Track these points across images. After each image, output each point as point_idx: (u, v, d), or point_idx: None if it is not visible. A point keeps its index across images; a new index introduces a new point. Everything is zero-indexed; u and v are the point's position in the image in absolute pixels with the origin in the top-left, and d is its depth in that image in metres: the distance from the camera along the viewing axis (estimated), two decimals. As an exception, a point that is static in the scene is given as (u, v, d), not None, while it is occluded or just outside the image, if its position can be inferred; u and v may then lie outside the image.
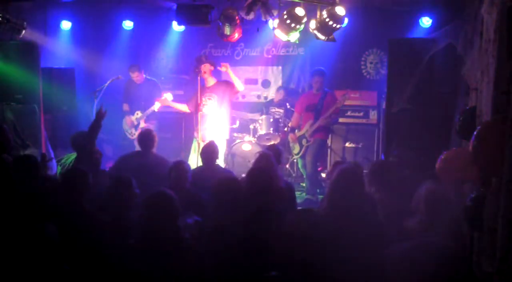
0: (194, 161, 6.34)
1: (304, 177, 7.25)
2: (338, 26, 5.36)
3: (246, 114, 8.24)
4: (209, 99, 6.68)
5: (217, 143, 5.46)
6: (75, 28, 8.38)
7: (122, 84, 7.79)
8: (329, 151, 8.01)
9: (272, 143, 7.26)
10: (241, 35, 6.29)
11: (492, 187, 2.69)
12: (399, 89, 5.39)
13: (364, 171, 4.33)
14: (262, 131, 7.70)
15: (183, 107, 7.02)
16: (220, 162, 6.26)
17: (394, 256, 2.97)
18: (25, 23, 6.23)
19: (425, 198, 3.51)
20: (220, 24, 6.03)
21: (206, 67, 6.62)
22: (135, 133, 7.34)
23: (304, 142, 7.12)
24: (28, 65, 6.07)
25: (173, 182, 4.47)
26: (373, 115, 7.98)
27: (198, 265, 3.01)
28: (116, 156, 6.98)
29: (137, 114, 7.68)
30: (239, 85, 6.64)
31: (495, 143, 2.57)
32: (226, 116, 6.79)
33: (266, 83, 9.04)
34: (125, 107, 7.82)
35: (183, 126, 8.49)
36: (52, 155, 6.23)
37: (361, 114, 8.02)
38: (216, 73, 6.94)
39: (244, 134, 7.90)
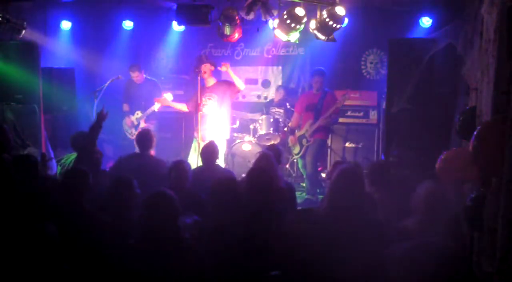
0: (194, 160, 6.34)
1: (304, 177, 7.25)
2: (338, 26, 5.36)
3: (246, 114, 8.24)
4: (209, 99, 6.68)
5: (217, 142, 5.46)
6: (75, 28, 8.38)
7: (122, 84, 7.79)
8: (329, 151, 8.01)
9: (272, 143, 7.25)
10: (241, 35, 6.29)
11: (492, 187, 2.69)
12: (399, 89, 5.39)
13: (364, 171, 4.32)
14: (262, 131, 7.70)
15: (182, 107, 7.02)
16: (220, 162, 6.26)
17: (394, 256, 2.97)
18: (25, 23, 6.23)
19: (424, 198, 3.52)
20: (220, 24, 6.03)
21: (206, 67, 6.62)
22: (135, 133, 7.34)
23: (304, 141, 7.12)
24: (28, 65, 6.07)
25: (173, 182, 4.47)
26: (373, 115, 7.98)
27: (198, 265, 3.01)
28: (117, 156, 6.98)
29: (137, 114, 7.69)
30: (240, 84, 6.64)
31: (495, 143, 2.57)
32: (226, 116, 6.79)
33: (266, 83, 9.04)
34: (125, 107, 7.82)
35: (183, 126, 8.49)
36: (52, 154, 6.23)
37: (361, 114, 8.02)
38: (216, 73, 6.94)
39: (244, 134, 7.90)
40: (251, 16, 5.84)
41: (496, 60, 2.89)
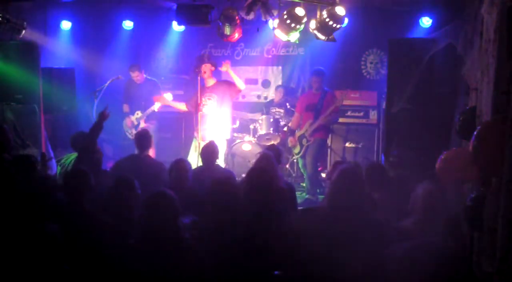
0: (194, 160, 6.34)
1: (305, 176, 7.25)
2: (338, 26, 5.36)
3: (246, 114, 8.24)
4: (209, 99, 6.68)
5: (217, 142, 5.46)
6: (75, 28, 8.38)
7: (122, 84, 7.79)
8: (329, 151, 8.01)
9: (272, 143, 7.25)
10: (241, 35, 6.29)
11: (492, 187, 2.69)
12: (399, 89, 5.39)
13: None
14: (262, 131, 7.70)
15: (182, 106, 7.04)
16: (220, 162, 6.26)
17: (394, 256, 2.97)
18: (25, 23, 6.23)
19: (422, 199, 3.52)
20: (220, 24, 6.03)
21: (206, 67, 6.61)
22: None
23: (304, 141, 7.12)
24: (28, 65, 6.07)
25: (173, 182, 4.48)
26: (373, 115, 7.98)
27: (198, 265, 3.01)
28: (117, 156, 7.00)
29: (137, 114, 7.69)
30: (240, 84, 6.64)
31: (495, 143, 2.57)
32: (226, 116, 6.78)
33: (266, 83, 9.05)
34: (125, 108, 7.82)
35: (183, 126, 8.49)
36: (52, 154, 6.23)
37: (361, 114, 8.02)
38: (216, 73, 6.94)
39: (244, 134, 7.90)
40: (251, 16, 5.84)
41: (496, 60, 2.89)
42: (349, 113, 8.00)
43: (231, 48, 8.91)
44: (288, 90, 8.47)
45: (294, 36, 5.65)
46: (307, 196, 7.03)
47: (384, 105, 6.65)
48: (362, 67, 8.49)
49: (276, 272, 3.23)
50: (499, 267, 2.42)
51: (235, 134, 7.86)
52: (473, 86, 4.30)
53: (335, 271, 2.92)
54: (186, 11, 6.16)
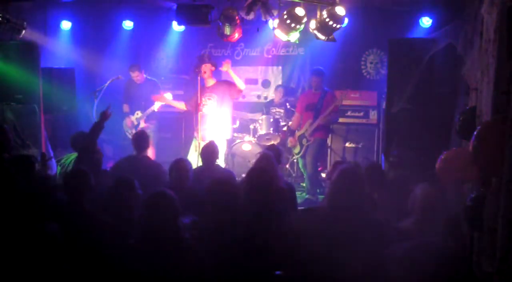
0: (194, 160, 6.34)
1: (305, 176, 7.25)
2: (338, 26, 5.36)
3: (246, 114, 8.25)
4: (209, 99, 6.68)
5: (217, 142, 5.46)
6: (75, 28, 8.38)
7: (122, 84, 7.79)
8: (329, 151, 8.01)
9: (272, 143, 7.26)
10: (241, 35, 6.28)
11: (492, 187, 2.70)
12: (399, 89, 5.39)
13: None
14: (262, 131, 7.70)
15: (181, 105, 7.05)
16: (220, 162, 6.26)
17: (394, 256, 2.97)
18: (25, 23, 6.23)
19: (421, 199, 3.52)
20: (220, 24, 6.03)
21: (207, 67, 6.61)
22: (135, 134, 7.35)
23: (304, 141, 7.12)
24: (28, 65, 6.07)
25: (173, 181, 4.48)
26: (373, 115, 7.98)
27: (198, 265, 3.01)
28: (117, 156, 6.99)
29: (137, 114, 7.69)
30: (240, 84, 6.64)
31: (495, 143, 2.57)
32: (226, 116, 6.78)
33: (266, 83, 9.05)
34: (125, 108, 7.82)
35: (183, 126, 8.49)
36: (52, 154, 6.23)
37: (361, 114, 8.02)
38: (216, 74, 6.94)
39: (244, 134, 7.90)
40: (251, 16, 5.84)
41: (496, 60, 2.89)
42: (349, 113, 8.00)
43: (231, 48, 8.91)
44: (288, 90, 8.47)
45: (294, 36, 5.65)
46: (307, 196, 7.03)
47: (384, 105, 6.65)
48: (362, 67, 8.49)
49: (277, 272, 3.23)
50: (499, 267, 2.42)
51: (235, 134, 7.86)
52: (473, 86, 4.30)
53: (335, 271, 2.92)
54: (186, 11, 6.16)
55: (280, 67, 8.97)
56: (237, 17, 5.88)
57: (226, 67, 6.57)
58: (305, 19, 5.40)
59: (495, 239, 2.49)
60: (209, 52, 8.66)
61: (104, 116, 5.02)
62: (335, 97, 7.03)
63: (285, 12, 5.41)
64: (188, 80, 8.60)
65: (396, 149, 5.22)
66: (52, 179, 5.58)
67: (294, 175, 8.10)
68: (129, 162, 5.22)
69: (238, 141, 7.72)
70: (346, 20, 6.37)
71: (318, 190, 7.07)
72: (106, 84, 7.17)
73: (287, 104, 8.02)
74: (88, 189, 3.69)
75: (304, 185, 7.39)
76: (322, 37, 5.54)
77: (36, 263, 2.94)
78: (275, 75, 9.01)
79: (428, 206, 3.46)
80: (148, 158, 5.42)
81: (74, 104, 7.03)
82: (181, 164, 4.54)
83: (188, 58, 8.59)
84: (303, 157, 7.15)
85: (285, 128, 7.79)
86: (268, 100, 8.80)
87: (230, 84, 6.68)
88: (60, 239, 3.17)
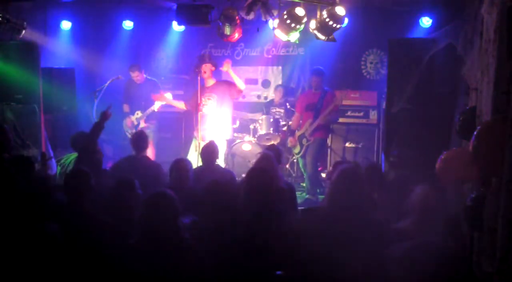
0: (194, 160, 6.34)
1: (305, 176, 7.25)
2: (338, 26, 5.36)
3: (246, 114, 8.24)
4: (208, 99, 6.68)
5: (217, 142, 5.46)
6: (75, 28, 8.38)
7: (122, 84, 7.79)
8: (329, 151, 8.01)
9: (272, 143, 7.25)
10: (241, 35, 6.29)
11: (492, 187, 2.70)
12: (399, 89, 5.39)
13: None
14: (262, 131, 7.70)
15: (180, 105, 7.07)
16: (220, 162, 6.26)
17: (394, 256, 2.97)
18: (25, 23, 6.23)
19: (419, 200, 3.51)
20: (220, 24, 6.03)
21: (207, 67, 6.62)
22: (135, 134, 7.34)
23: (304, 141, 7.12)
24: (28, 65, 6.08)
25: (174, 181, 4.48)
26: (373, 115, 7.98)
27: (198, 265, 3.01)
28: (117, 156, 6.99)
29: (137, 114, 7.69)
30: (240, 84, 6.64)
31: (495, 143, 2.57)
32: (226, 116, 6.78)
33: (266, 83, 9.04)
34: (125, 108, 7.82)
35: (183, 126, 8.49)
36: (52, 154, 6.23)
37: (361, 114, 8.02)
38: (216, 74, 6.94)
39: (244, 134, 7.90)
40: (251, 16, 5.84)
41: (496, 60, 2.89)
42: (349, 113, 8.00)
43: (231, 48, 8.91)
44: (288, 90, 8.47)
45: (294, 36, 5.65)
46: (307, 196, 7.02)
47: (384, 105, 6.65)
48: (362, 67, 8.49)
49: (278, 272, 3.23)
50: (499, 267, 2.42)
51: (235, 134, 7.86)
52: (473, 86, 4.30)
53: (335, 271, 2.92)
54: (186, 11, 6.16)
55: (280, 67, 8.97)
56: (237, 17, 5.88)
57: (227, 67, 6.57)
58: (305, 19, 5.40)
59: (495, 239, 2.49)
60: (209, 52, 8.65)
61: (104, 116, 5.02)
62: (335, 97, 7.03)
63: (285, 12, 5.41)
64: (188, 80, 8.60)
65: (396, 149, 5.22)
66: (52, 179, 5.59)
67: (294, 175, 8.09)
68: (128, 162, 5.21)
69: (238, 140, 7.72)
70: (346, 20, 6.37)
71: (318, 190, 7.06)
72: (106, 84, 7.17)
73: (287, 104, 8.03)
74: (88, 189, 3.68)
75: (304, 185, 7.38)
76: (322, 37, 5.54)
77: (36, 263, 2.94)
78: (275, 75, 9.00)
79: (426, 207, 3.46)
80: (147, 158, 5.42)
81: (74, 104, 7.03)
82: (181, 164, 4.54)
83: (188, 58, 8.59)
84: (303, 156, 7.15)
85: (285, 128, 7.79)
86: (268, 100, 8.80)
87: (230, 84, 6.68)
88: (60, 239, 3.17)
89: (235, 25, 5.99)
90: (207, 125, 6.65)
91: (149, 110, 7.53)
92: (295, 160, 7.72)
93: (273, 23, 6.01)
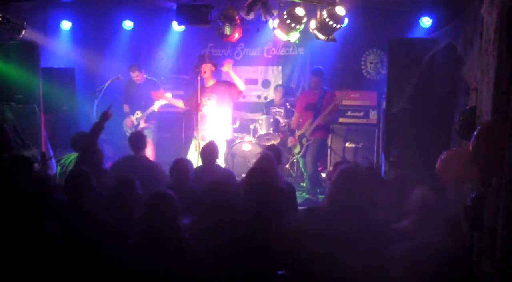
0: (194, 160, 6.34)
1: (305, 176, 7.25)
2: (338, 26, 5.36)
3: (246, 114, 8.25)
4: (208, 99, 6.68)
5: (217, 142, 5.46)
6: (75, 28, 8.38)
7: (122, 84, 7.79)
8: (329, 151, 8.01)
9: (272, 143, 7.26)
10: (241, 35, 6.29)
11: (492, 187, 2.70)
12: (399, 89, 5.39)
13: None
14: (262, 131, 7.70)
15: (179, 103, 7.08)
16: (220, 162, 6.26)
17: (394, 256, 2.97)
18: (25, 23, 6.23)
19: (418, 201, 3.51)
20: (220, 24, 6.03)
21: (207, 67, 6.62)
22: (135, 134, 7.34)
23: (304, 141, 7.12)
24: (28, 65, 6.07)
25: (174, 181, 4.48)
26: (373, 115, 7.98)
27: (198, 265, 3.01)
28: (117, 156, 6.98)
29: (137, 114, 7.69)
30: (240, 85, 6.64)
31: (495, 143, 2.57)
32: (226, 117, 6.78)
33: (266, 83, 9.04)
34: (126, 108, 7.83)
35: (183, 126, 8.49)
36: (52, 154, 6.23)
37: (361, 114, 8.03)
38: (215, 74, 6.94)
39: (244, 134, 7.90)
40: (251, 16, 5.84)
41: (496, 60, 2.89)
42: (349, 113, 8.01)
43: (231, 48, 8.91)
44: (288, 90, 8.47)
45: (294, 36, 5.65)
46: (307, 196, 7.03)
47: (384, 105, 6.65)
48: (362, 67, 8.49)
49: (280, 272, 3.23)
50: (499, 267, 2.42)
51: (235, 134, 7.86)
52: (473, 86, 4.30)
53: (335, 271, 2.92)
54: (186, 11, 6.16)
55: (280, 67, 8.97)
56: (237, 17, 5.88)
57: (227, 68, 6.57)
58: (305, 19, 5.40)
59: (495, 239, 2.49)
60: (209, 52, 8.65)
61: (105, 116, 5.02)
62: (334, 96, 7.03)
63: (285, 12, 5.41)
64: (188, 80, 8.60)
65: (396, 149, 5.22)
66: (52, 179, 5.59)
67: (294, 175, 8.10)
68: (127, 162, 5.21)
69: (238, 140, 7.72)
70: (346, 20, 6.37)
71: (318, 190, 7.06)
72: (106, 84, 7.17)
73: (287, 104, 8.03)
74: (88, 189, 3.68)
75: (304, 185, 7.39)
76: (322, 37, 5.54)
77: (36, 263, 2.94)
78: (275, 75, 9.00)
79: (426, 207, 3.46)
80: (146, 158, 5.42)
81: (74, 104, 7.03)
82: (181, 164, 4.54)
83: (188, 58, 8.59)
84: (303, 156, 7.15)
85: (283, 124, 7.79)
86: (268, 100, 8.80)
87: (230, 84, 6.68)
88: (60, 239, 3.17)
89: (235, 25, 5.99)
90: (207, 125, 6.65)
91: (149, 110, 7.53)
92: (295, 160, 7.72)
93: (273, 23, 6.01)
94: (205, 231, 3.35)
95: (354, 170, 3.33)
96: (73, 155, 5.95)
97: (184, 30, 8.24)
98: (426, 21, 7.31)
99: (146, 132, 6.92)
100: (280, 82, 8.88)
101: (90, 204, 3.65)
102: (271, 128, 7.67)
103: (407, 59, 5.39)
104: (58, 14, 8.09)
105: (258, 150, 7.05)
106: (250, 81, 8.88)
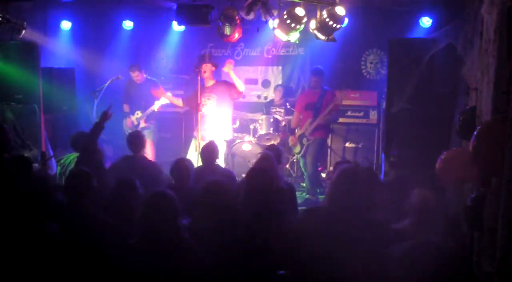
0: (194, 160, 6.34)
1: (305, 176, 7.25)
2: (338, 26, 5.36)
3: (246, 114, 8.25)
4: (208, 99, 6.68)
5: (217, 142, 5.46)
6: (75, 28, 8.38)
7: (122, 84, 7.79)
8: (329, 151, 8.01)
9: (272, 143, 7.26)
10: (241, 35, 6.28)
11: (492, 187, 2.70)
12: (399, 89, 5.39)
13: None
14: (262, 131, 7.70)
15: (178, 102, 7.10)
16: (220, 162, 6.26)
17: (394, 256, 2.97)
18: (25, 23, 6.23)
19: (417, 202, 3.51)
20: (220, 24, 6.03)
21: (207, 67, 6.62)
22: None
23: (304, 140, 7.12)
24: (28, 65, 6.07)
25: (174, 181, 4.47)
26: (373, 115, 7.98)
27: (198, 265, 3.01)
28: (116, 156, 6.97)
29: (137, 114, 7.69)
30: (240, 85, 6.64)
31: (495, 143, 2.57)
32: (226, 117, 6.78)
33: (266, 83, 9.05)
34: (126, 108, 7.82)
35: (183, 126, 8.49)
36: (52, 154, 6.23)
37: (361, 114, 8.03)
38: (215, 74, 6.94)
39: (244, 134, 7.90)
40: (251, 16, 5.84)
41: (496, 60, 2.89)
42: (349, 113, 8.01)
43: (231, 48, 8.91)
44: (288, 90, 8.48)
45: (294, 36, 5.65)
46: (307, 196, 7.02)
47: (384, 105, 6.65)
48: (362, 67, 8.49)
49: (280, 272, 3.23)
50: (499, 267, 2.42)
51: (235, 134, 7.86)
52: (473, 86, 4.30)
53: (335, 271, 2.92)
54: (186, 11, 6.16)
55: (280, 67, 8.97)
56: (237, 17, 5.88)
57: (228, 68, 6.56)
58: (305, 19, 5.40)
59: (495, 239, 2.49)
60: (209, 52, 8.64)
61: (105, 116, 5.02)
62: (334, 96, 7.03)
63: (285, 12, 5.41)
64: (188, 80, 8.60)
65: (396, 149, 5.22)
66: (52, 179, 5.59)
67: (294, 175, 8.10)
68: (126, 162, 5.21)
69: (238, 140, 7.72)
70: (346, 20, 6.37)
71: (318, 190, 7.06)
72: (106, 84, 7.17)
73: (287, 104, 8.03)
74: (88, 189, 3.68)
75: (304, 185, 7.38)
76: (322, 37, 5.54)
77: (36, 263, 2.94)
78: (275, 75, 9.01)
79: (426, 207, 3.46)
80: (145, 157, 5.41)
81: (74, 104, 7.03)
82: (181, 164, 4.54)
83: (188, 58, 8.60)
84: (303, 156, 7.15)
85: (284, 124, 7.79)
86: (268, 100, 8.80)
87: (230, 85, 6.69)
88: (60, 239, 3.17)
89: (235, 25, 5.99)
90: (207, 125, 6.65)
91: (149, 110, 7.53)
92: (295, 160, 7.71)
93: (273, 23, 6.01)
94: (205, 231, 3.34)
95: (354, 170, 3.32)
96: (73, 155, 5.95)
97: (184, 30, 8.24)
98: (426, 21, 7.32)
99: (146, 132, 6.93)
100: (280, 82, 8.89)
101: (90, 204, 3.65)
102: (271, 128, 7.67)
103: (407, 59, 5.39)
104: (58, 14, 8.09)
105: (258, 150, 7.05)
106: (250, 81, 8.88)
